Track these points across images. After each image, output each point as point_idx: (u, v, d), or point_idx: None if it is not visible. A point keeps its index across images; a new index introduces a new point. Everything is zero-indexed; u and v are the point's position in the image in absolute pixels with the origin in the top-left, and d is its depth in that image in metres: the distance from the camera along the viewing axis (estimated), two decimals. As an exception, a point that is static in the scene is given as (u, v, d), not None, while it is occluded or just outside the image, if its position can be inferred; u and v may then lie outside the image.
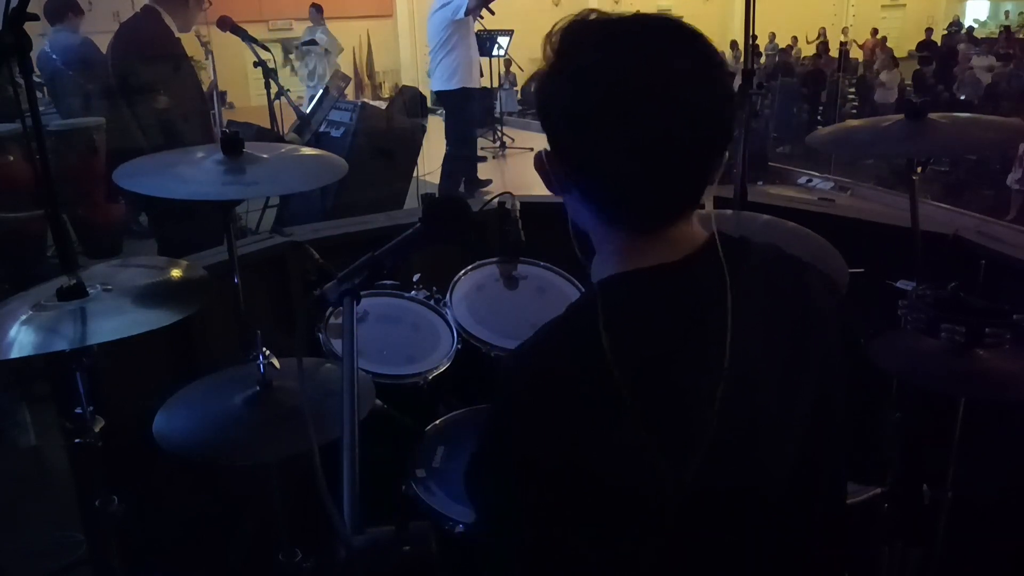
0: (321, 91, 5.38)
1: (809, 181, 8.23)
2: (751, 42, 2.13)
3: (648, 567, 0.81)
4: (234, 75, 8.47)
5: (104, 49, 3.96)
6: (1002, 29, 15.22)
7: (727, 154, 0.86)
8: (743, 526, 0.85)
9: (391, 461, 1.61)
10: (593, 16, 0.86)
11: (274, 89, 4.64)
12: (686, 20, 0.87)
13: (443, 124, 6.47)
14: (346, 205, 4.10)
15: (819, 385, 0.90)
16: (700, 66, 0.82)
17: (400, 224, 2.35)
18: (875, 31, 14.94)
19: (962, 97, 10.39)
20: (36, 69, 4.72)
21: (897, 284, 1.72)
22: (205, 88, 4.84)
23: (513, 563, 0.85)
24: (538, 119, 0.89)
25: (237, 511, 1.97)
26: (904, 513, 1.69)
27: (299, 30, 11.13)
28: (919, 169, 1.79)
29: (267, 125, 5.03)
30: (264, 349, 1.54)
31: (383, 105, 7.02)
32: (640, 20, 0.84)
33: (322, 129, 4.82)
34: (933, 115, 1.70)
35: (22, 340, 1.28)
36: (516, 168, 8.30)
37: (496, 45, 9.18)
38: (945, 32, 16.72)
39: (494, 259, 2.17)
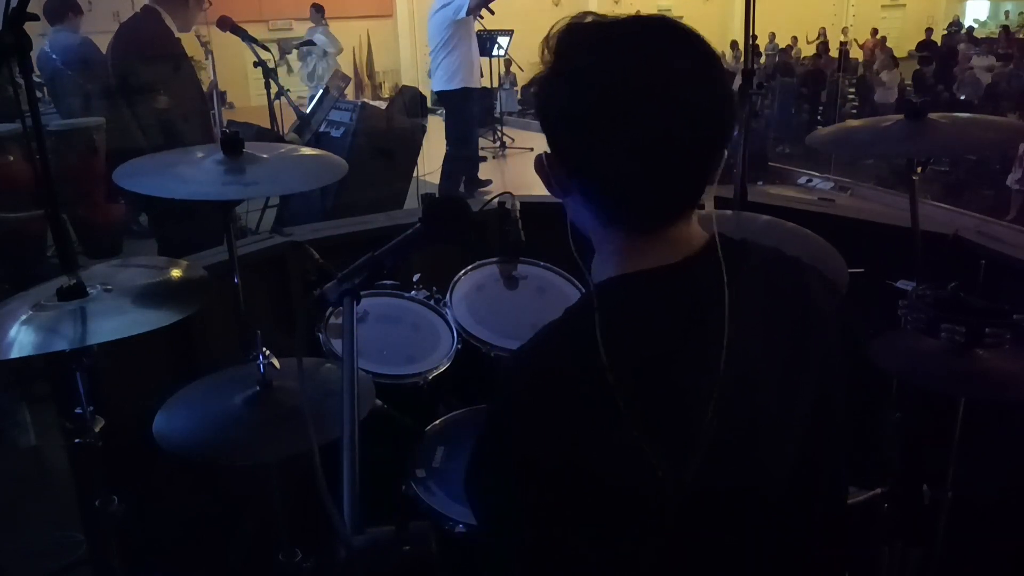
0: (321, 91, 5.38)
1: (809, 181, 8.24)
2: (751, 42, 2.13)
3: (648, 567, 0.81)
4: (234, 75, 8.46)
5: (104, 49, 3.97)
6: (1001, 29, 15.23)
7: (726, 153, 0.86)
8: (743, 526, 0.85)
9: (391, 461, 1.61)
10: (589, 18, 0.86)
11: (274, 89, 4.65)
12: (686, 20, 0.87)
13: (443, 124, 6.47)
14: (346, 205, 4.10)
15: (819, 385, 0.90)
16: (698, 66, 0.82)
17: (400, 224, 2.35)
18: (875, 31, 14.94)
19: (962, 97, 10.39)
20: (36, 69, 4.72)
21: (897, 284, 1.72)
22: (205, 88, 4.83)
23: (513, 563, 0.85)
24: (537, 120, 0.89)
25: (237, 511, 1.97)
26: (904, 513, 1.69)
27: (299, 30, 11.15)
28: (919, 169, 1.79)
29: (267, 125, 5.04)
30: (264, 349, 1.54)
31: (383, 105, 7.03)
32: (637, 21, 0.84)
33: (322, 129, 4.82)
34: (933, 115, 1.70)
35: (22, 340, 1.28)
36: (516, 168, 8.30)
37: (496, 45, 9.18)
38: (945, 32, 16.73)
39: (494, 259, 2.17)
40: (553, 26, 0.86)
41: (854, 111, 11.02)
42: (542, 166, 0.89)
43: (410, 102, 7.49)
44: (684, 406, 0.80)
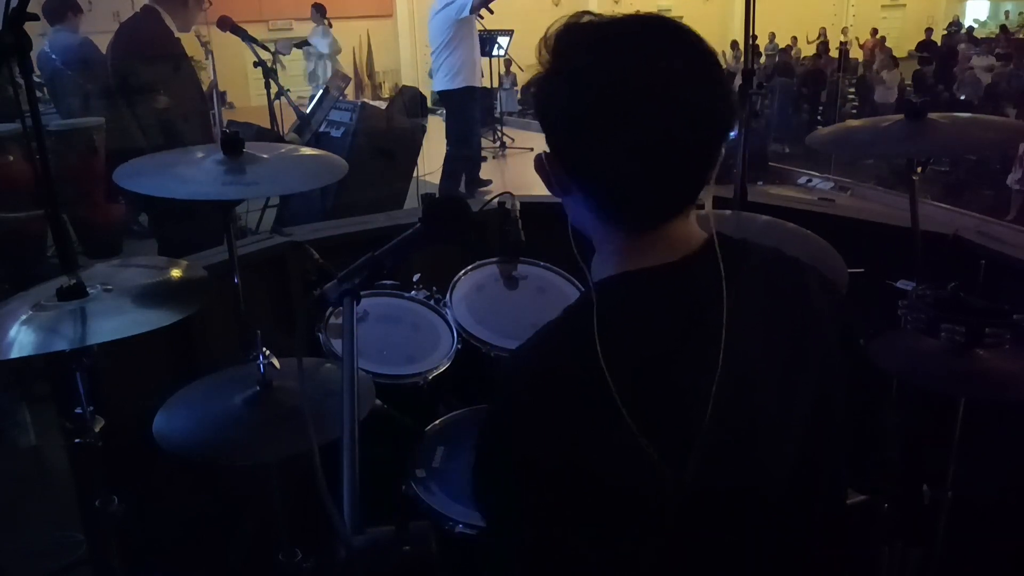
0: (321, 91, 5.38)
1: (809, 181, 8.23)
2: (751, 42, 2.13)
3: (648, 567, 0.81)
4: (234, 75, 8.46)
5: (104, 49, 3.96)
6: (1000, 29, 15.23)
7: (723, 152, 0.86)
8: (743, 526, 0.85)
9: (391, 461, 1.61)
10: (587, 18, 0.86)
11: (274, 89, 4.64)
12: (686, 20, 0.87)
13: (443, 124, 6.47)
14: (346, 205, 4.10)
15: (818, 385, 0.90)
16: (696, 65, 0.82)
17: (400, 224, 2.35)
18: (875, 31, 14.94)
19: (962, 97, 10.39)
20: (36, 69, 4.72)
21: (897, 284, 1.72)
22: (205, 88, 4.83)
23: (513, 563, 0.85)
24: (536, 120, 0.89)
25: (237, 511, 1.97)
26: (904, 513, 1.69)
27: (299, 30, 11.15)
28: (919, 169, 1.79)
29: (267, 125, 5.03)
30: (264, 349, 1.54)
31: (383, 105, 7.03)
32: (634, 20, 0.84)
33: (322, 129, 4.82)
34: (933, 115, 1.70)
35: (22, 340, 1.28)
36: (516, 168, 8.30)
37: (496, 45, 9.18)
38: (945, 32, 16.73)
39: (494, 259, 2.17)
40: (551, 26, 0.86)
41: (854, 111, 11.03)
42: (542, 165, 0.89)
43: (410, 102, 7.50)
44: (683, 406, 0.80)
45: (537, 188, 0.95)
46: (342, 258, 1.17)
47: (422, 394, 1.84)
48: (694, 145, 0.82)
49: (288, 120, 5.26)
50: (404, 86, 10.86)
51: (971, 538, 1.78)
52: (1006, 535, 1.84)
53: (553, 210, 0.94)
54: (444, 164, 6.32)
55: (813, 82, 11.02)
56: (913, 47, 15.17)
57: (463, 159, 6.44)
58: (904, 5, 18.68)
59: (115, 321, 1.33)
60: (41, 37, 4.99)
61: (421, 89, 9.91)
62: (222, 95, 6.69)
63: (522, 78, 12.54)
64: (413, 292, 2.09)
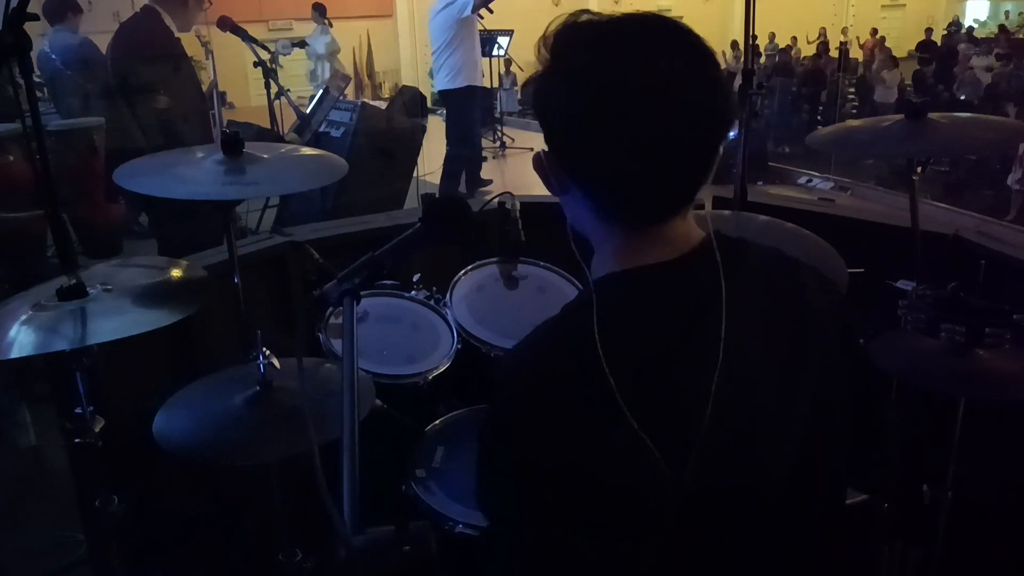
0: (321, 91, 5.38)
1: (809, 181, 8.23)
2: (751, 42, 2.13)
3: (648, 567, 0.81)
4: (234, 75, 8.46)
5: (104, 49, 3.96)
6: (999, 29, 15.22)
7: (721, 151, 0.86)
8: (743, 526, 0.85)
9: (391, 461, 1.61)
10: (585, 17, 0.86)
11: (274, 89, 4.64)
12: (686, 20, 0.87)
13: (443, 124, 6.47)
14: (346, 205, 4.10)
15: (818, 385, 0.90)
16: (694, 64, 0.82)
17: (400, 224, 2.35)
18: (875, 31, 14.94)
19: (962, 97, 10.39)
20: (36, 69, 4.72)
21: (897, 284, 1.72)
22: (205, 88, 4.83)
23: (513, 563, 0.85)
24: (535, 119, 0.89)
25: (237, 511, 1.97)
26: (904, 513, 1.69)
27: (299, 30, 11.15)
28: (919, 169, 1.79)
29: (267, 125, 5.03)
30: (264, 349, 1.54)
31: (383, 105, 7.02)
32: (632, 20, 0.85)
33: (322, 129, 4.82)
34: (933, 115, 1.70)
35: (22, 340, 1.28)
36: (516, 168, 8.30)
37: (496, 45, 9.19)
38: (945, 32, 16.73)
39: (494, 259, 2.17)
40: (549, 25, 0.86)
41: (854, 111, 11.02)
42: (540, 164, 0.89)
43: (410, 102, 7.49)
44: (683, 405, 0.80)
45: (537, 188, 0.95)
46: (342, 258, 1.17)
47: (422, 394, 1.84)
48: (693, 144, 0.83)
49: (288, 120, 5.26)
50: (404, 86, 10.85)
51: (971, 538, 1.78)
52: (1006, 535, 1.84)
53: (553, 210, 0.94)
54: (444, 164, 6.32)
55: (813, 82, 11.02)
56: (913, 47, 15.17)
57: (463, 159, 6.44)
58: (904, 5, 18.67)
59: (115, 321, 1.33)
60: (41, 37, 4.99)
61: (421, 89, 9.90)
62: (222, 95, 6.69)
63: (522, 78, 12.52)
64: (413, 292, 2.09)
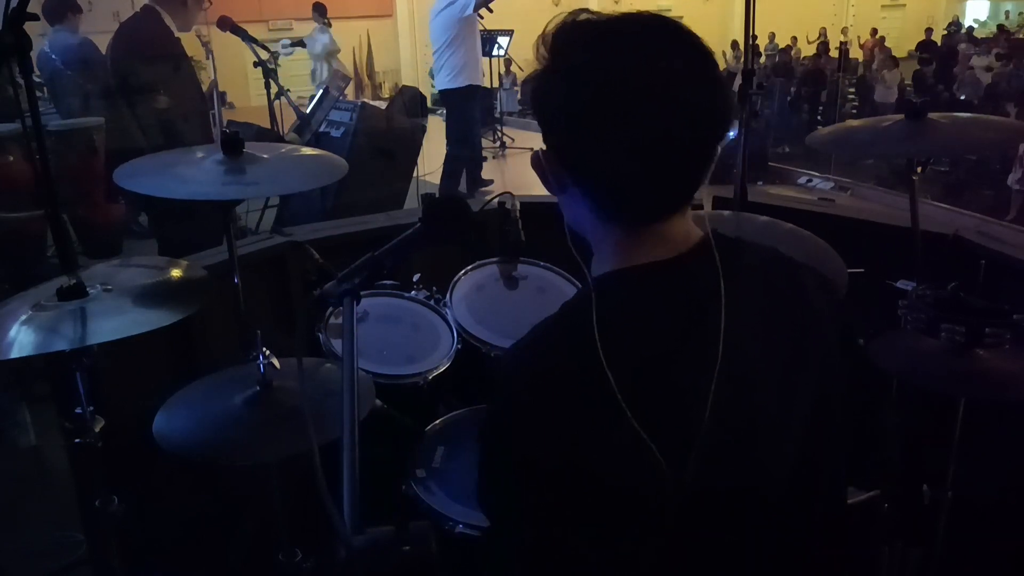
0: (321, 91, 5.38)
1: (809, 181, 8.23)
2: (751, 42, 2.13)
3: (648, 567, 0.81)
4: (234, 75, 8.46)
5: (104, 49, 3.96)
6: (998, 29, 15.22)
7: (719, 150, 0.86)
8: (743, 526, 0.85)
9: (391, 461, 1.61)
10: (583, 16, 0.86)
11: (274, 89, 4.64)
12: (686, 20, 0.87)
13: (443, 124, 6.47)
14: (346, 205, 4.10)
15: (818, 385, 0.90)
16: (693, 63, 0.82)
17: (400, 224, 2.35)
18: (875, 31, 14.95)
19: (962, 97, 10.40)
20: (36, 69, 4.72)
21: (897, 284, 1.72)
22: (205, 88, 4.83)
23: (513, 563, 0.85)
24: (534, 118, 0.89)
25: (237, 511, 1.97)
26: (904, 513, 1.69)
27: (299, 30, 11.14)
28: (919, 169, 1.79)
29: (267, 125, 5.03)
30: (264, 349, 1.54)
31: (383, 105, 7.02)
32: (632, 19, 0.85)
33: (322, 129, 4.82)
34: (933, 115, 1.70)
35: (22, 340, 1.28)
36: (516, 168, 8.30)
37: (496, 45, 9.19)
38: (945, 32, 16.73)
39: (494, 259, 2.17)
40: (548, 24, 0.86)
41: (854, 111, 11.03)
42: (539, 162, 0.89)
43: (410, 102, 7.50)
44: (683, 405, 0.80)
45: (537, 188, 0.95)
46: (342, 258, 1.17)
47: (422, 394, 1.84)
48: (692, 144, 0.83)
49: (288, 120, 5.26)
50: (404, 86, 10.86)
51: (971, 538, 1.78)
52: (1006, 535, 1.84)
53: (553, 210, 0.94)
54: (444, 164, 6.32)
55: (813, 82, 11.03)
56: (913, 47, 15.16)
57: (463, 159, 6.45)
58: (904, 5, 18.67)
59: (115, 321, 1.33)
60: (41, 37, 4.99)
61: (421, 89, 9.91)
62: (222, 95, 6.69)
63: (522, 78, 12.53)
64: (413, 292, 2.09)
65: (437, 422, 1.77)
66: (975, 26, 17.80)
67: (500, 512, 0.87)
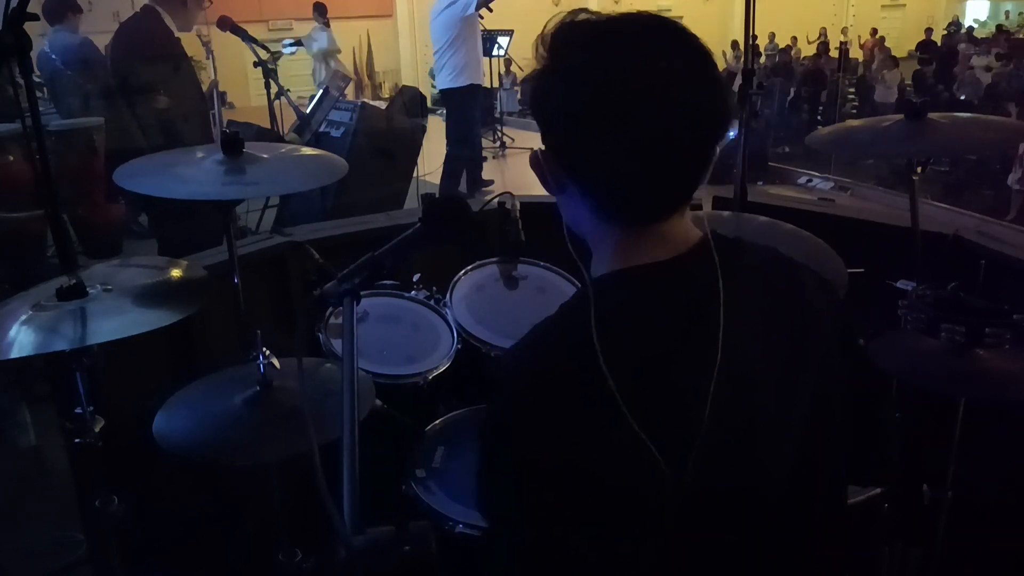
0: (321, 91, 5.38)
1: (809, 181, 8.23)
2: (751, 42, 2.14)
3: (648, 567, 0.81)
4: (234, 75, 8.46)
5: (104, 49, 3.97)
6: (996, 29, 15.22)
7: (718, 150, 0.86)
8: (743, 526, 0.85)
9: (391, 461, 1.61)
10: (582, 16, 0.86)
11: (274, 89, 4.64)
12: (686, 20, 0.87)
13: (443, 124, 6.47)
14: (346, 205, 4.10)
15: (818, 385, 0.90)
16: (692, 63, 0.82)
17: (400, 224, 2.35)
18: (875, 31, 14.95)
19: (962, 97, 10.40)
20: (36, 69, 4.72)
21: (897, 284, 1.72)
22: (205, 88, 4.83)
23: (513, 563, 0.85)
24: (533, 118, 0.89)
25: (237, 511, 1.97)
26: (904, 513, 1.69)
27: (299, 30, 11.14)
28: (919, 169, 1.79)
29: (267, 125, 5.03)
30: (264, 349, 1.54)
31: (383, 105, 7.02)
32: (630, 19, 0.85)
33: (322, 129, 4.82)
34: (933, 115, 1.70)
35: (22, 340, 1.28)
36: (516, 168, 8.30)
37: (496, 45, 9.18)
38: (945, 32, 16.73)
39: (494, 259, 2.17)
40: (547, 24, 0.86)
41: (854, 111, 11.03)
42: (538, 163, 0.89)
43: (410, 102, 7.49)
44: (682, 405, 0.80)
45: (537, 188, 0.95)
46: (342, 258, 1.17)
47: (422, 394, 1.84)
48: (692, 143, 0.83)
49: (288, 120, 5.26)
50: (404, 86, 10.85)
51: (971, 538, 1.78)
52: (1006, 535, 1.84)
53: (553, 210, 0.94)
54: (444, 164, 6.32)
55: (813, 82, 11.03)
56: (913, 47, 15.17)
57: (464, 159, 6.45)
58: (904, 5, 18.67)
59: (115, 321, 1.33)
60: (41, 37, 4.99)
61: (421, 89, 9.90)
62: (222, 95, 6.69)
63: (522, 78, 12.54)
64: (413, 292, 2.09)
65: (437, 422, 1.77)
66: (975, 26, 17.80)
67: (500, 512, 0.87)
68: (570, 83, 0.82)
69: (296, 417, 1.43)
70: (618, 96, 0.80)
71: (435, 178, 6.33)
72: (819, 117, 10.55)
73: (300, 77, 9.88)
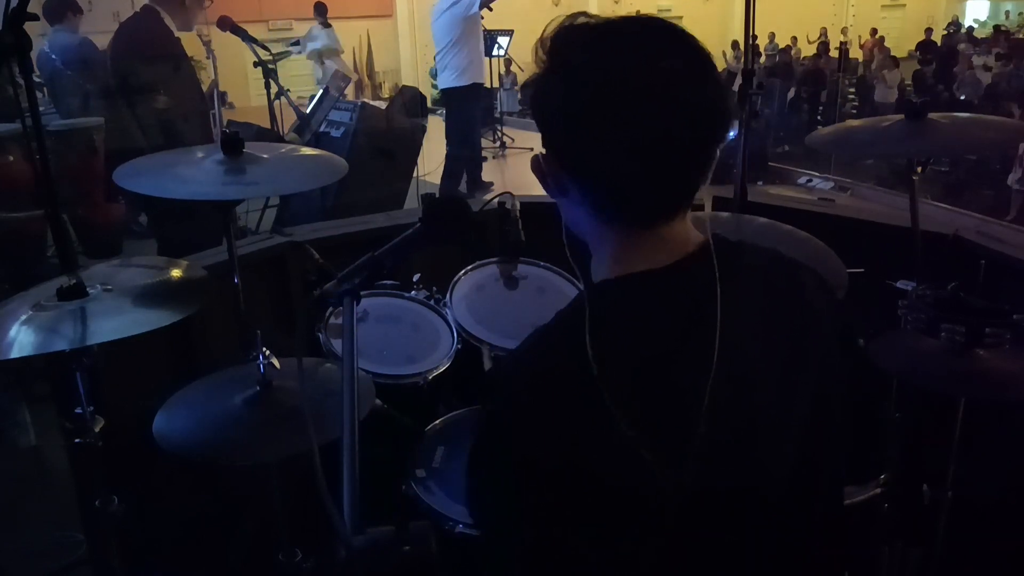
0: (321, 91, 5.39)
1: (809, 181, 8.23)
2: (751, 42, 2.13)
3: (648, 567, 0.81)
4: (234, 75, 8.47)
5: (104, 49, 3.97)
6: (994, 29, 15.22)
7: (718, 151, 0.86)
8: (743, 526, 0.85)
9: (391, 461, 1.61)
10: (582, 19, 0.86)
11: (274, 89, 4.65)
12: (686, 20, 0.88)
13: (443, 124, 6.47)
14: (346, 205, 4.10)
15: (817, 385, 0.90)
16: (691, 65, 0.82)
17: (400, 224, 2.35)
18: (875, 31, 14.95)
19: (962, 97, 10.40)
20: (36, 69, 4.72)
21: (897, 284, 1.72)
22: (205, 88, 4.84)
23: (513, 563, 0.85)
24: (534, 120, 0.89)
25: (237, 511, 1.97)
26: (904, 513, 1.69)
27: (299, 30, 11.14)
28: (919, 169, 1.79)
29: (267, 125, 5.04)
30: (264, 349, 1.54)
31: (383, 105, 7.02)
32: (629, 21, 0.85)
33: (322, 129, 4.82)
34: (933, 115, 1.70)
35: (22, 340, 1.28)
36: (516, 168, 8.31)
37: (496, 45, 9.19)
38: (945, 32, 16.73)
39: (494, 259, 2.17)
40: (546, 27, 0.87)
41: (854, 111, 11.03)
42: (539, 166, 0.89)
43: (410, 102, 7.50)
44: (680, 406, 0.80)
45: (537, 188, 0.95)
46: (342, 258, 1.17)
47: (422, 394, 1.84)
48: (692, 144, 0.83)
49: (288, 120, 5.27)
50: (404, 86, 10.86)
51: (971, 538, 1.78)
52: (1006, 535, 1.84)
53: (553, 210, 0.94)
54: (444, 164, 6.33)
55: (813, 82, 11.03)
56: (913, 47, 15.17)
57: (464, 159, 6.45)
58: (904, 5, 18.68)
59: (115, 321, 1.33)
60: (41, 37, 4.99)
61: (421, 89, 9.90)
62: (222, 95, 6.69)
63: (522, 78, 12.53)
64: (413, 292, 2.09)
65: (437, 422, 1.77)
66: (975, 26, 17.80)
67: (498, 513, 0.87)
68: (570, 83, 0.82)
69: (296, 417, 1.43)
70: (618, 96, 0.80)
71: (435, 178, 6.33)
72: (819, 117, 10.56)
73: (300, 77, 9.89)
